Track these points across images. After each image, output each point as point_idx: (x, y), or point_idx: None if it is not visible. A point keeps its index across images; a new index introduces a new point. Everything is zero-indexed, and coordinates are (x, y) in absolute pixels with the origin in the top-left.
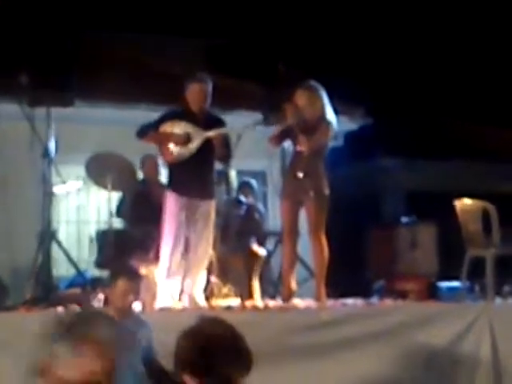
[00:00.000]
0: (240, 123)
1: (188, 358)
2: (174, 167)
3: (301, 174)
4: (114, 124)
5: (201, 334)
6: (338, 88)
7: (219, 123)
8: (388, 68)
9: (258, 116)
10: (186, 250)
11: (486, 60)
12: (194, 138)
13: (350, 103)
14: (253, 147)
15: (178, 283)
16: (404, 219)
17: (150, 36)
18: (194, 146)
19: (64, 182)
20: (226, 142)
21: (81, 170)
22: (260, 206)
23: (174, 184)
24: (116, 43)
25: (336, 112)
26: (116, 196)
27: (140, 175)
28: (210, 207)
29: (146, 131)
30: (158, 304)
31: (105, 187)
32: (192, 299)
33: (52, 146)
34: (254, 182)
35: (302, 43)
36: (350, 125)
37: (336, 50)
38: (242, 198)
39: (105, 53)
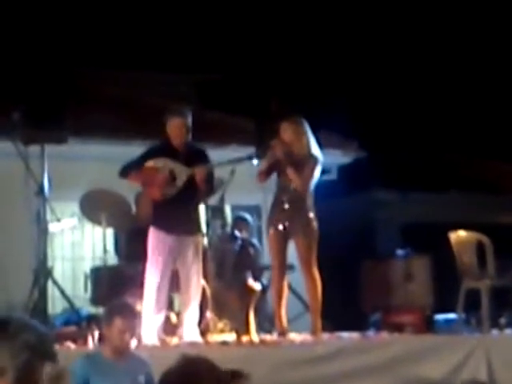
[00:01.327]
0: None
1: None
2: (159, 204)
3: (287, 205)
4: (107, 161)
5: (183, 373)
6: (332, 122)
7: (201, 156)
8: (381, 101)
9: (250, 151)
10: (178, 285)
11: (481, 93)
12: (178, 174)
13: (343, 137)
14: (247, 182)
15: (162, 319)
16: (399, 252)
17: (143, 73)
18: (179, 183)
19: (58, 220)
20: (208, 177)
21: (75, 207)
22: (255, 241)
23: (159, 221)
24: (109, 80)
25: (329, 145)
26: (111, 233)
27: (134, 212)
28: (198, 242)
29: (129, 171)
30: (145, 340)
31: (99, 224)
32: (187, 334)
33: (46, 183)
34: (248, 216)
35: (295, 78)
36: (344, 158)
37: (329, 84)
38: (237, 233)
39: (98, 90)
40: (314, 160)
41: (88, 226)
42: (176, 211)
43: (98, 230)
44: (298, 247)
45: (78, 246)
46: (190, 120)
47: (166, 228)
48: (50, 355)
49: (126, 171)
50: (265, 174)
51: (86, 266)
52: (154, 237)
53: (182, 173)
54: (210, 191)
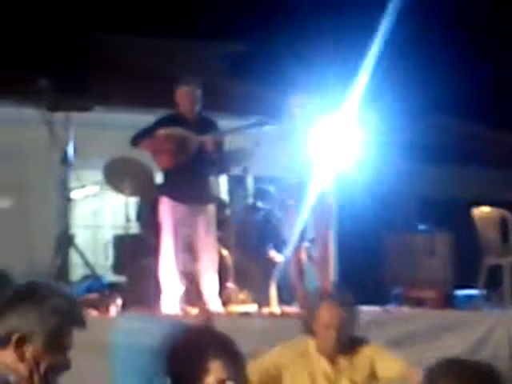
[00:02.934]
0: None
1: (180, 370)
2: (170, 173)
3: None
4: (132, 129)
5: (188, 344)
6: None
7: (211, 125)
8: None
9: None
10: (194, 255)
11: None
12: (189, 143)
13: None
14: (272, 153)
15: (182, 289)
16: (421, 227)
17: (169, 40)
18: (190, 152)
19: (83, 187)
20: (218, 146)
21: (98, 175)
22: (277, 213)
23: (169, 190)
24: (135, 48)
25: None
26: (133, 201)
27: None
28: (210, 212)
29: (141, 139)
30: (165, 309)
31: (122, 192)
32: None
33: (70, 150)
34: (271, 187)
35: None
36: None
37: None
38: (260, 204)
39: (123, 57)
40: None
41: (109, 193)
42: (187, 180)
43: (119, 198)
44: (314, 221)
45: (98, 214)
46: (198, 89)
47: (176, 197)
48: (79, 320)
49: (137, 139)
50: None
51: (107, 235)
52: (164, 206)
53: (193, 142)
54: (222, 161)
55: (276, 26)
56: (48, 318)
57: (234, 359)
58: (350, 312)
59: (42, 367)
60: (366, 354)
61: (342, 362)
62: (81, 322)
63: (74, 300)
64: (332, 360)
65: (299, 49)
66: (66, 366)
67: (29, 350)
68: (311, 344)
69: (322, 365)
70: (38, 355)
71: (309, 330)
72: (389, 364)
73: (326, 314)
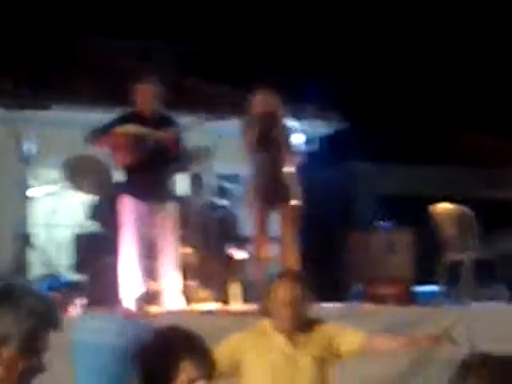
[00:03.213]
0: (216, 127)
1: (151, 371)
2: (130, 171)
3: (270, 179)
4: (91, 127)
5: (158, 346)
6: (314, 92)
7: (169, 123)
8: (364, 72)
9: (237, 120)
10: (154, 253)
11: (461, 64)
12: (147, 140)
13: (325, 107)
14: (232, 150)
15: (142, 287)
16: (381, 224)
17: (126, 40)
18: (148, 149)
19: (41, 185)
20: (176, 142)
21: (57, 173)
22: (237, 210)
23: (130, 188)
24: (93, 48)
25: (311, 116)
26: (91, 199)
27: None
28: (172, 209)
29: (98, 136)
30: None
31: (81, 190)
32: (169, 303)
33: (29, 148)
34: (231, 185)
35: (278, 47)
36: (326, 129)
37: (313, 54)
38: (221, 202)
39: (81, 57)
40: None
41: (69, 192)
42: (146, 178)
43: (79, 196)
44: (282, 223)
45: (56, 212)
46: (156, 88)
47: (136, 195)
48: (56, 322)
49: (94, 137)
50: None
51: (67, 233)
52: (124, 204)
53: (151, 138)
54: (182, 158)
55: (238, 27)
56: (24, 320)
57: (204, 357)
58: (303, 288)
59: (18, 370)
60: (324, 330)
61: (301, 339)
62: (57, 324)
63: (50, 301)
64: (290, 337)
65: (263, 49)
66: (40, 369)
67: (5, 352)
68: (268, 325)
69: (280, 343)
70: (14, 357)
71: (266, 312)
72: (349, 338)
73: (280, 291)
